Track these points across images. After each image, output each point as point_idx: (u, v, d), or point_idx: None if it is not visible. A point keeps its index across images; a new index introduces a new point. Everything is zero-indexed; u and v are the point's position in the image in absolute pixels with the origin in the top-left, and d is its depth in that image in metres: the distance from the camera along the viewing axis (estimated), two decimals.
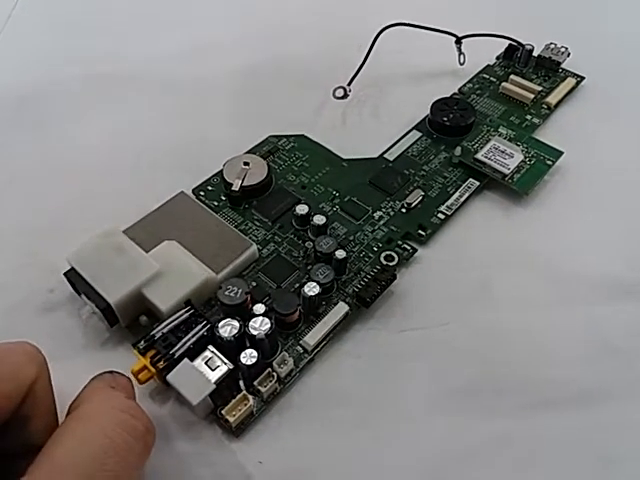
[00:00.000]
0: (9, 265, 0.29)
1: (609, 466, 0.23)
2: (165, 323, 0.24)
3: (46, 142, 0.36)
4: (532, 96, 0.37)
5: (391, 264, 0.29)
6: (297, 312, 0.26)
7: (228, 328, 0.24)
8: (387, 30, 0.38)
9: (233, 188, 0.31)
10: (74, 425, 0.18)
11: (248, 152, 0.34)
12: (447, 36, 0.39)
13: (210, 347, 0.24)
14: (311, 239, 0.30)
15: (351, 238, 0.30)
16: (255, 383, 0.24)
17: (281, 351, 0.25)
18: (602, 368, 0.26)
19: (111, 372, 0.22)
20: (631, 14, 0.46)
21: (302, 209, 0.30)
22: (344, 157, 0.34)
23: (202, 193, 0.32)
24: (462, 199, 0.32)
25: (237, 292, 0.25)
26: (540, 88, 0.38)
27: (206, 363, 0.24)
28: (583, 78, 0.40)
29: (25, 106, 0.38)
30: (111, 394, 0.20)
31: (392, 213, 0.31)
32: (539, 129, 0.36)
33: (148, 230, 0.28)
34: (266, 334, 0.24)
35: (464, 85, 0.39)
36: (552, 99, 0.37)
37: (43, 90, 0.39)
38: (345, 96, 0.37)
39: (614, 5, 0.47)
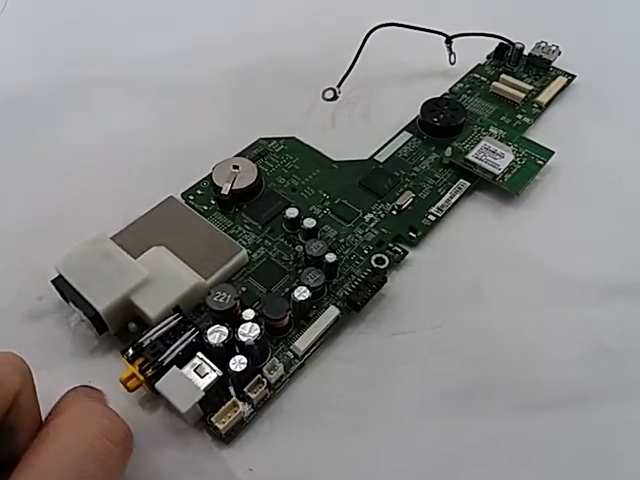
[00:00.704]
0: None
1: (603, 467, 0.23)
2: (154, 330, 0.24)
3: (34, 146, 0.36)
4: (523, 95, 0.37)
5: (382, 267, 0.28)
6: (287, 317, 0.26)
7: (217, 334, 0.24)
8: (377, 30, 0.37)
9: (222, 192, 0.30)
10: (53, 433, 0.18)
11: (238, 155, 0.34)
12: (437, 36, 0.39)
13: (199, 354, 0.24)
14: (301, 243, 0.29)
15: (342, 241, 0.30)
16: (245, 389, 0.24)
17: (271, 357, 0.25)
18: (595, 369, 0.26)
19: (85, 386, 0.22)
20: (622, 12, 0.46)
21: (292, 212, 0.29)
22: (334, 159, 0.34)
23: (191, 197, 0.32)
24: (453, 200, 0.32)
25: (226, 298, 0.25)
26: (531, 87, 0.38)
27: (195, 370, 0.23)
28: (574, 77, 0.39)
29: (11, 110, 0.38)
30: (89, 402, 0.20)
31: (383, 215, 0.31)
32: (530, 128, 0.36)
33: (136, 236, 0.28)
34: (255, 340, 0.23)
35: (455, 85, 0.39)
36: (543, 98, 0.37)
37: (28, 94, 0.39)
38: (335, 98, 0.37)
39: (605, 3, 0.47)
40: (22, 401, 0.19)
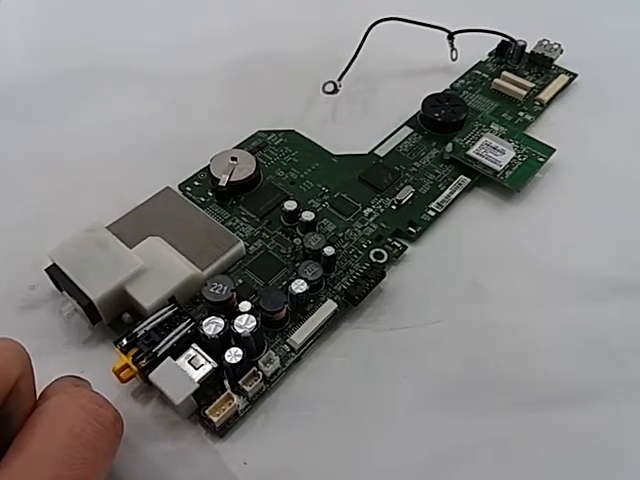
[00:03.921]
0: None
1: (603, 465, 0.23)
2: (148, 321, 0.24)
3: (30, 136, 0.35)
4: (524, 92, 0.37)
5: (380, 261, 0.28)
6: (284, 310, 0.25)
7: (213, 326, 0.23)
8: (378, 25, 0.37)
9: (220, 183, 0.30)
10: (43, 417, 0.18)
11: (236, 147, 0.34)
12: (439, 31, 0.39)
13: (194, 345, 0.23)
14: (299, 236, 0.29)
15: (340, 235, 0.29)
16: (240, 382, 0.23)
17: (267, 350, 0.25)
18: (596, 367, 0.25)
19: (72, 376, 0.22)
20: (624, 11, 0.45)
21: (291, 205, 0.29)
22: (334, 153, 0.34)
23: (188, 189, 0.31)
24: (453, 196, 0.31)
25: (222, 289, 0.25)
26: (533, 85, 0.38)
27: (190, 362, 0.23)
28: (576, 75, 0.39)
29: (8, 99, 0.38)
30: (76, 388, 0.20)
31: (382, 210, 0.31)
32: (531, 126, 0.36)
33: (132, 226, 0.28)
34: (252, 332, 0.23)
35: (456, 81, 0.39)
36: (545, 96, 0.37)
37: (27, 83, 0.39)
38: (335, 91, 0.36)
39: (608, 2, 0.47)
40: (21, 388, 0.19)
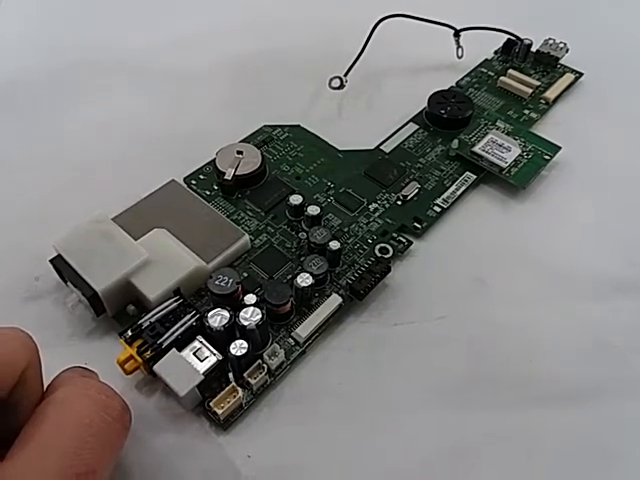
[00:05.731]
0: None
1: (604, 461, 0.23)
2: (153, 312, 0.24)
3: (36, 129, 0.35)
4: (530, 91, 0.37)
5: (386, 256, 0.28)
6: (289, 303, 0.25)
7: (218, 318, 0.23)
8: (385, 21, 0.37)
9: (225, 177, 0.30)
10: (51, 409, 0.18)
11: (242, 141, 0.34)
12: (445, 29, 0.39)
13: (199, 337, 0.23)
14: (305, 230, 0.29)
15: (345, 230, 0.29)
16: (245, 375, 0.23)
17: (272, 343, 0.25)
18: (596, 364, 0.25)
19: (79, 367, 0.21)
20: (630, 11, 0.45)
21: (296, 199, 0.29)
22: (340, 148, 0.34)
23: (194, 182, 0.31)
24: (458, 192, 0.31)
25: (228, 282, 0.25)
26: (538, 83, 0.38)
27: (194, 354, 0.23)
28: (581, 74, 0.39)
29: (12, 94, 0.38)
30: (84, 379, 0.20)
31: (387, 205, 0.31)
32: (537, 124, 0.36)
33: (138, 218, 0.28)
34: (257, 325, 0.23)
35: (462, 78, 0.39)
36: (550, 94, 0.37)
37: (28, 79, 0.39)
38: (341, 86, 0.36)
39: (614, 1, 0.46)
40: (28, 377, 0.18)
